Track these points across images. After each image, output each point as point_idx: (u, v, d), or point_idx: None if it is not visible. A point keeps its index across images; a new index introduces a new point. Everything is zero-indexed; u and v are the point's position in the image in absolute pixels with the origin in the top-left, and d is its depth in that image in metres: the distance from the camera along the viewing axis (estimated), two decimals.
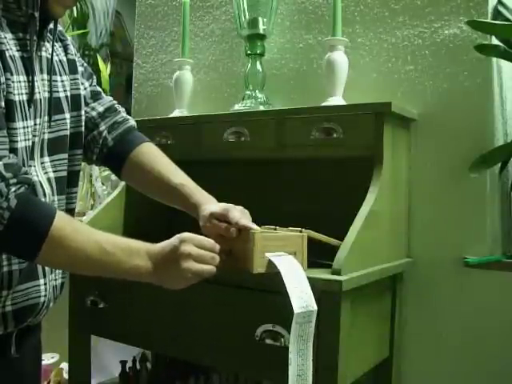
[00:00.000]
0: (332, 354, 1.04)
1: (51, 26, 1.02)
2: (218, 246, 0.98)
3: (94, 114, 1.17)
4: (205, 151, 1.52)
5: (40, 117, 0.99)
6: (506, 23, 1.30)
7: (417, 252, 1.41)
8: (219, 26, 1.78)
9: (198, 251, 0.94)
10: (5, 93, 0.90)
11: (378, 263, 1.21)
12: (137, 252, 0.93)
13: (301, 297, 0.95)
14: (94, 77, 1.22)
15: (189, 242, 0.94)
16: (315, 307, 0.95)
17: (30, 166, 0.97)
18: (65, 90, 1.07)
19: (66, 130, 1.07)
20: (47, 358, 2.01)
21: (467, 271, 1.33)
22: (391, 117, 1.28)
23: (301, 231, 1.09)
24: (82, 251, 0.90)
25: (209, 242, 0.97)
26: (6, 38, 0.92)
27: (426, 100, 1.41)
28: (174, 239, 0.95)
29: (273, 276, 0.99)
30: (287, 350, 0.95)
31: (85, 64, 1.20)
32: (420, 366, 1.41)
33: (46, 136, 1.02)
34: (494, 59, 1.34)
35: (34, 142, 0.97)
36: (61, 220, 0.89)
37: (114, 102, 1.23)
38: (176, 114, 1.70)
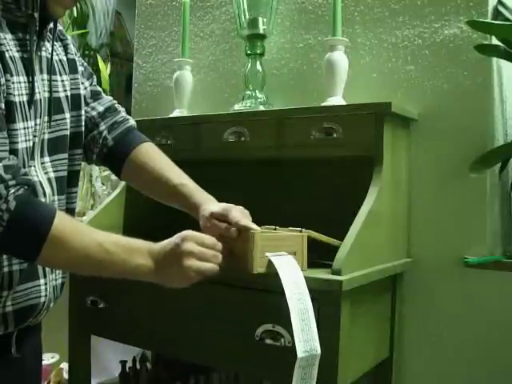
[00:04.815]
0: (332, 354, 1.04)
1: (51, 25, 1.02)
2: (219, 244, 0.98)
3: (93, 113, 1.17)
4: (205, 151, 1.52)
5: (40, 117, 0.99)
6: (506, 23, 1.30)
7: (417, 252, 1.41)
8: (219, 26, 1.78)
9: (200, 249, 0.94)
10: (5, 94, 0.90)
11: (378, 263, 1.21)
12: (138, 251, 0.93)
13: (306, 340, 0.93)
14: (94, 76, 1.22)
15: (190, 239, 0.94)
16: (319, 351, 0.94)
17: (30, 166, 0.97)
18: (65, 90, 1.07)
19: (66, 129, 1.06)
20: (47, 358, 2.01)
21: (467, 271, 1.33)
22: (391, 117, 1.28)
23: (301, 231, 1.09)
24: (83, 251, 0.89)
25: (210, 239, 0.97)
26: (5, 38, 0.92)
27: (426, 100, 1.41)
28: (176, 237, 0.94)
29: (273, 276, 0.99)
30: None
31: (85, 64, 1.19)
32: (420, 366, 1.41)
33: (46, 136, 1.02)
34: (494, 59, 1.34)
35: (34, 143, 0.97)
36: (61, 220, 0.89)
37: (114, 101, 1.23)
38: (176, 113, 1.70)
